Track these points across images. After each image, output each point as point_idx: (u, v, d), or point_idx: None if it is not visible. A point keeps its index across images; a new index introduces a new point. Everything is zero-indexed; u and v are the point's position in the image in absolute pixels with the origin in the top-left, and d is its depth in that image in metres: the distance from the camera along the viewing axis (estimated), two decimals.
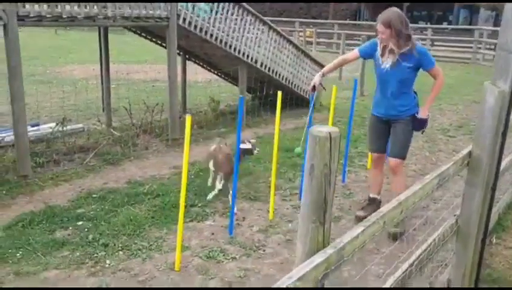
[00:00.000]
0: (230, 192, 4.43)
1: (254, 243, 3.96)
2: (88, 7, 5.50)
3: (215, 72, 9.40)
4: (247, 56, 7.65)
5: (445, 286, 2.98)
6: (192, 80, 10.01)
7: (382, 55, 4.00)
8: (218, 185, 4.78)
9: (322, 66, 9.41)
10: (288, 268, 3.32)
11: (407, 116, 4.06)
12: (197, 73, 9.23)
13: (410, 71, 3.94)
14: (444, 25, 26.12)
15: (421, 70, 4.00)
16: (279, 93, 4.34)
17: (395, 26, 3.76)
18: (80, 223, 4.23)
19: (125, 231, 4.07)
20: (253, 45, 7.76)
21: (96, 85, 8.30)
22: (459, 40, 19.65)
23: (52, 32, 23.74)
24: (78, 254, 3.71)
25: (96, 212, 4.45)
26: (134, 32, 8.01)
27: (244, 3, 7.51)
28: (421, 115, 4.07)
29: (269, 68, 8.07)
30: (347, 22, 26.65)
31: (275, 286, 1.34)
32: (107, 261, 3.61)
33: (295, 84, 8.76)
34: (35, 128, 6.66)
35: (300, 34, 22.10)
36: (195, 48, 8.14)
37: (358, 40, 15.67)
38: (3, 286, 3.27)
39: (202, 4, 6.98)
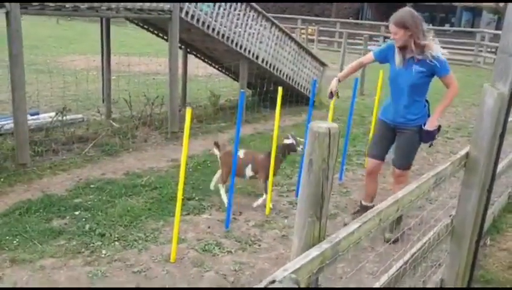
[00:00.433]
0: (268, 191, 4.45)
1: (250, 238, 3.99)
2: None
3: (216, 66, 9.39)
4: (249, 51, 7.64)
5: (438, 286, 3.00)
6: (192, 74, 10.00)
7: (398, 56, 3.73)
8: (224, 198, 4.45)
9: (323, 64, 9.43)
10: (282, 263, 3.33)
11: (414, 126, 3.79)
12: (197, 67, 9.21)
13: (422, 76, 3.66)
14: (446, 27, 26.09)
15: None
16: (280, 89, 4.34)
17: (409, 27, 3.53)
18: (77, 212, 4.24)
19: (122, 221, 4.09)
20: (255, 40, 7.75)
21: (96, 76, 8.30)
22: (461, 42, 19.62)
23: (53, 22, 23.66)
24: (74, 243, 3.73)
25: (94, 202, 4.47)
26: (137, 24, 8.00)
27: (252, 3, 7.52)
28: (429, 126, 3.74)
29: (270, 64, 8.06)
30: (349, 20, 26.63)
31: (270, 277, 1.36)
32: (103, 251, 3.62)
33: (296, 81, 8.76)
34: (34, 116, 6.66)
35: (302, 31, 22.08)
36: (197, 42, 8.13)
37: (360, 39, 15.65)
38: None
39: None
